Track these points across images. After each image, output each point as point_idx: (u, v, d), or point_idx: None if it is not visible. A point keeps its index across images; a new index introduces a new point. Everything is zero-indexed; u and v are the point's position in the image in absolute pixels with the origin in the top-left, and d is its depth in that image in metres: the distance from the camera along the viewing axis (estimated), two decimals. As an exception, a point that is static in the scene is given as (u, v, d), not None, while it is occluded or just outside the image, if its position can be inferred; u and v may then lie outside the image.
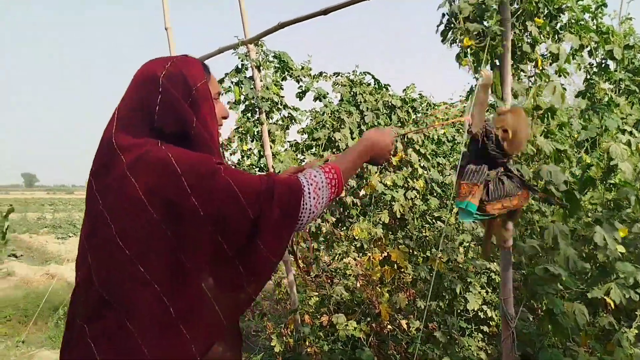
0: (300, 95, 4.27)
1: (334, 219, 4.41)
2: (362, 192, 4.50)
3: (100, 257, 1.23)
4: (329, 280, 5.65)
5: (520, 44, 2.26)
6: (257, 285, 1.34)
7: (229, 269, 1.28)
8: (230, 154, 5.24)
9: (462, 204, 2.26)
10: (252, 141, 4.25)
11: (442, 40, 2.37)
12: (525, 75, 2.58)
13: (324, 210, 1.86)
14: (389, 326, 4.44)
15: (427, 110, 4.78)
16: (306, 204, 1.35)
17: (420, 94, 4.91)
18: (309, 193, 1.36)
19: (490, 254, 2.38)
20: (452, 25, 2.20)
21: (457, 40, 2.20)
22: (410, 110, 4.50)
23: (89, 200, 1.30)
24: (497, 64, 2.40)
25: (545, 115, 2.63)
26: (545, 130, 2.67)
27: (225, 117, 1.53)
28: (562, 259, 2.55)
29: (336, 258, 5.34)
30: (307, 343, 4.25)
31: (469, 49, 2.16)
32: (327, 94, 4.41)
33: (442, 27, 2.29)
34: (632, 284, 2.80)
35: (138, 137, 1.29)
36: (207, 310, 1.25)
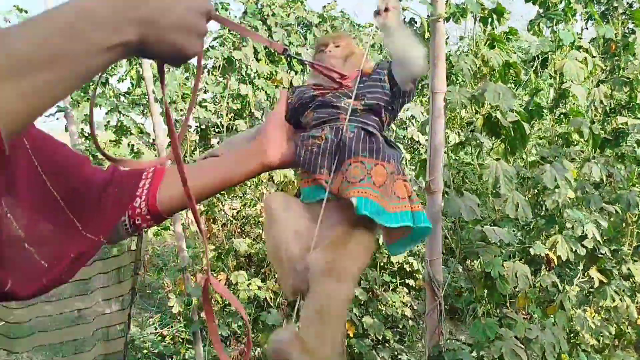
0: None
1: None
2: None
3: None
4: (239, 230, 5.05)
5: None
6: None
7: None
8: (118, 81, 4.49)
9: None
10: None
11: None
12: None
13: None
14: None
15: (349, 31, 4.08)
16: None
17: (342, 12, 4.25)
18: None
19: None
20: None
21: None
22: (329, 29, 3.79)
23: None
24: None
25: (490, 18, 1.97)
26: (491, 39, 2.01)
27: None
28: (511, 208, 1.97)
29: (249, 204, 4.77)
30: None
31: None
32: (229, 4, 3.61)
33: None
34: (579, 235, 2.30)
35: None
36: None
